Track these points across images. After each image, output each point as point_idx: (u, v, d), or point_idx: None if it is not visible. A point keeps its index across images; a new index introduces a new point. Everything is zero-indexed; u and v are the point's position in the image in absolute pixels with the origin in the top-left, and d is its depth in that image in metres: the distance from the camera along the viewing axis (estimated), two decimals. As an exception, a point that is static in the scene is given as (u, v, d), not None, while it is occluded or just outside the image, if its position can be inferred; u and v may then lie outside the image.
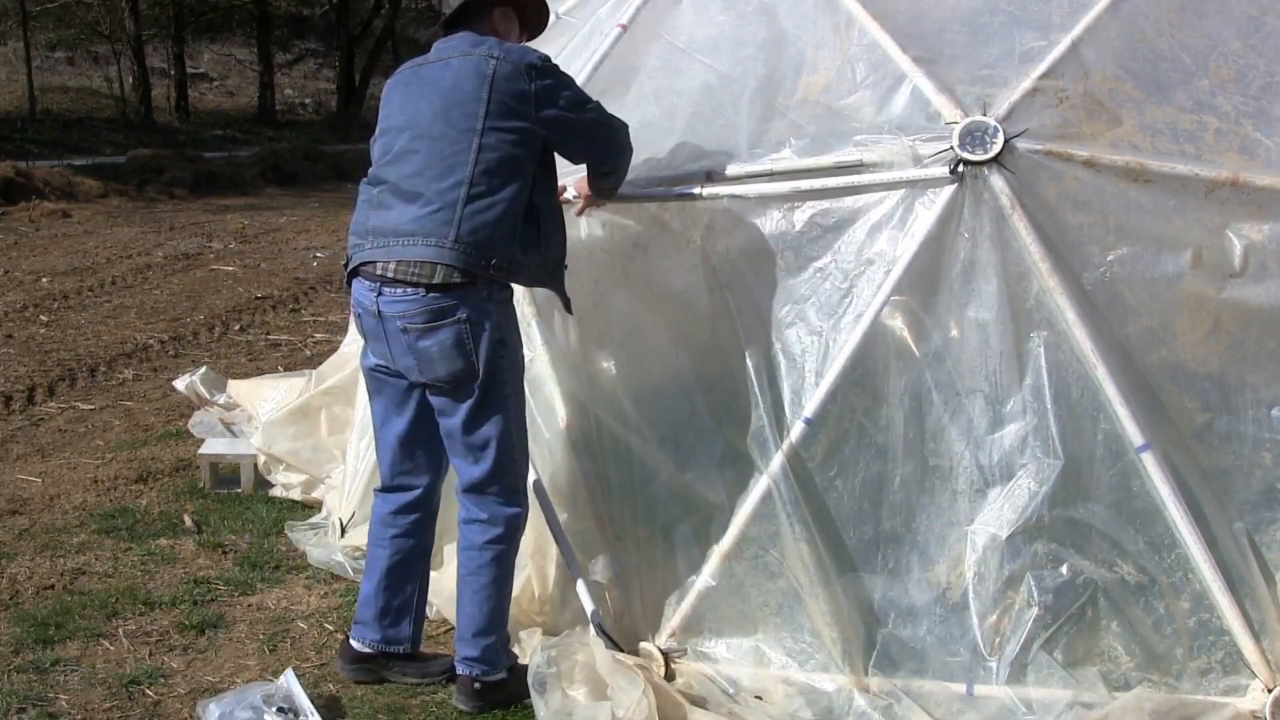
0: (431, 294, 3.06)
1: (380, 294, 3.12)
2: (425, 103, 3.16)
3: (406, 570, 3.40)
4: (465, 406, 3.16)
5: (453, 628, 3.74)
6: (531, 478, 3.58)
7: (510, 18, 3.39)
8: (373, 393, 3.38)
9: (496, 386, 3.15)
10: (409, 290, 3.07)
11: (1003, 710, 3.02)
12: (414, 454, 3.35)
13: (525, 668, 3.25)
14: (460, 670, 3.32)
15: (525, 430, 3.31)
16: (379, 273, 3.12)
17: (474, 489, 3.25)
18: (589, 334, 3.58)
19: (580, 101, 3.20)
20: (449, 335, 3.08)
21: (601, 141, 3.27)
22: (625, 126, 3.30)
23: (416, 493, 3.37)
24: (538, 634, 3.50)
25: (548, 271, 3.26)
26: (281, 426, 5.05)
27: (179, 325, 8.49)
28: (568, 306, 3.39)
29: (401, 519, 3.38)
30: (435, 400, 3.21)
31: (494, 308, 3.12)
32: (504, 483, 3.23)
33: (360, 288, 3.19)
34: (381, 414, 3.37)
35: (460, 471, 3.27)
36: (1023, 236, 3.05)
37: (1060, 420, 3.04)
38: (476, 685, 3.29)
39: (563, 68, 3.49)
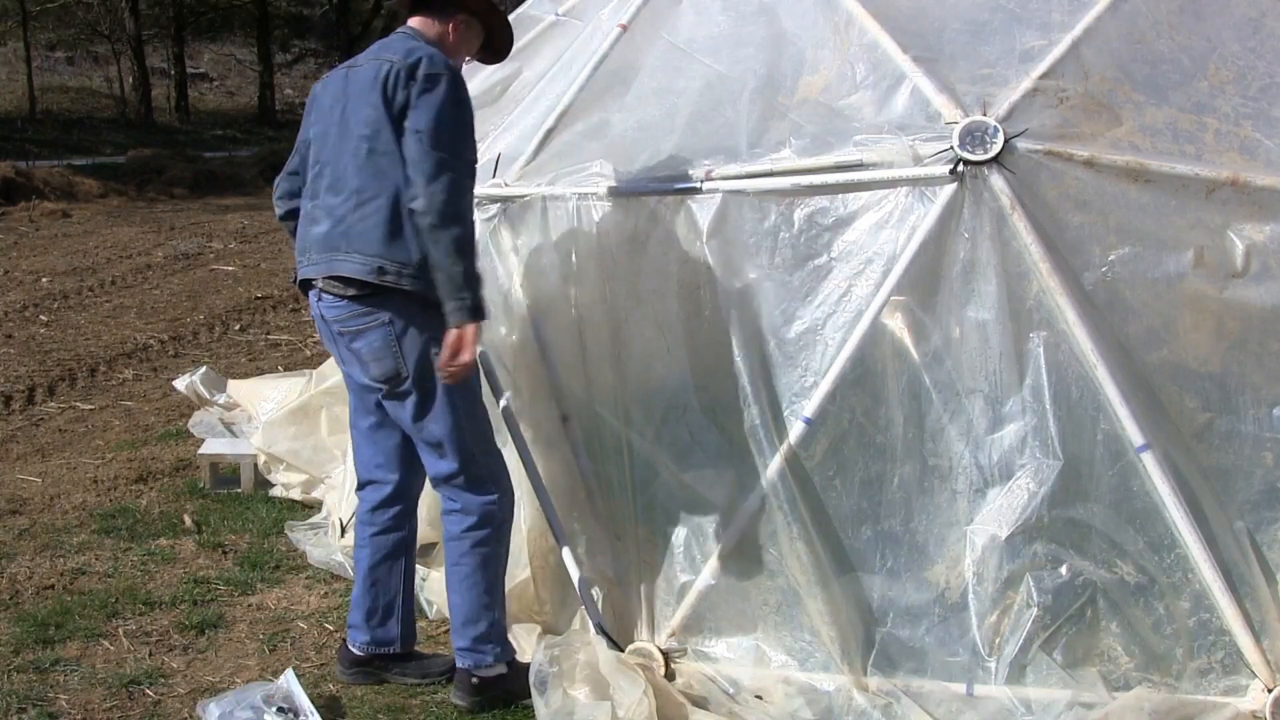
0: (355, 300, 3.14)
1: (320, 299, 3.23)
2: (335, 111, 3.21)
3: (388, 569, 3.42)
4: (408, 406, 3.21)
5: (453, 627, 3.75)
6: (531, 478, 3.59)
7: (472, 28, 3.34)
8: (349, 391, 3.45)
9: (434, 386, 3.17)
10: (338, 298, 3.17)
11: (1002, 710, 3.02)
12: (383, 449, 3.39)
13: (526, 666, 3.25)
14: (458, 663, 3.33)
15: (484, 422, 3.31)
16: (315, 284, 3.22)
17: (443, 481, 3.30)
18: (588, 332, 3.58)
19: (435, 128, 3.02)
20: (377, 337, 3.15)
21: (424, 171, 3.00)
22: (459, 189, 3.03)
23: (388, 489, 3.40)
24: (535, 632, 3.50)
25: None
26: (281, 426, 5.05)
27: (179, 325, 8.50)
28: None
29: (379, 516, 3.41)
30: (385, 402, 3.27)
31: (420, 309, 3.12)
32: (469, 474, 3.25)
33: (311, 295, 3.29)
34: (352, 411, 3.45)
35: (428, 466, 3.33)
36: (1023, 236, 3.05)
37: (1060, 420, 3.04)
38: (474, 680, 3.29)
39: (562, 68, 3.48)
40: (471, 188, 3.14)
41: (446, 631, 3.75)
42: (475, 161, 3.16)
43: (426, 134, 3.02)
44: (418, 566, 4.03)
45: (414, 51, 3.13)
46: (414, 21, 3.30)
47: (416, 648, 3.55)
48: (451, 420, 3.20)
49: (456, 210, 3.01)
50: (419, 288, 3.10)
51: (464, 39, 3.33)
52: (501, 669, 3.31)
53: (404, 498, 3.42)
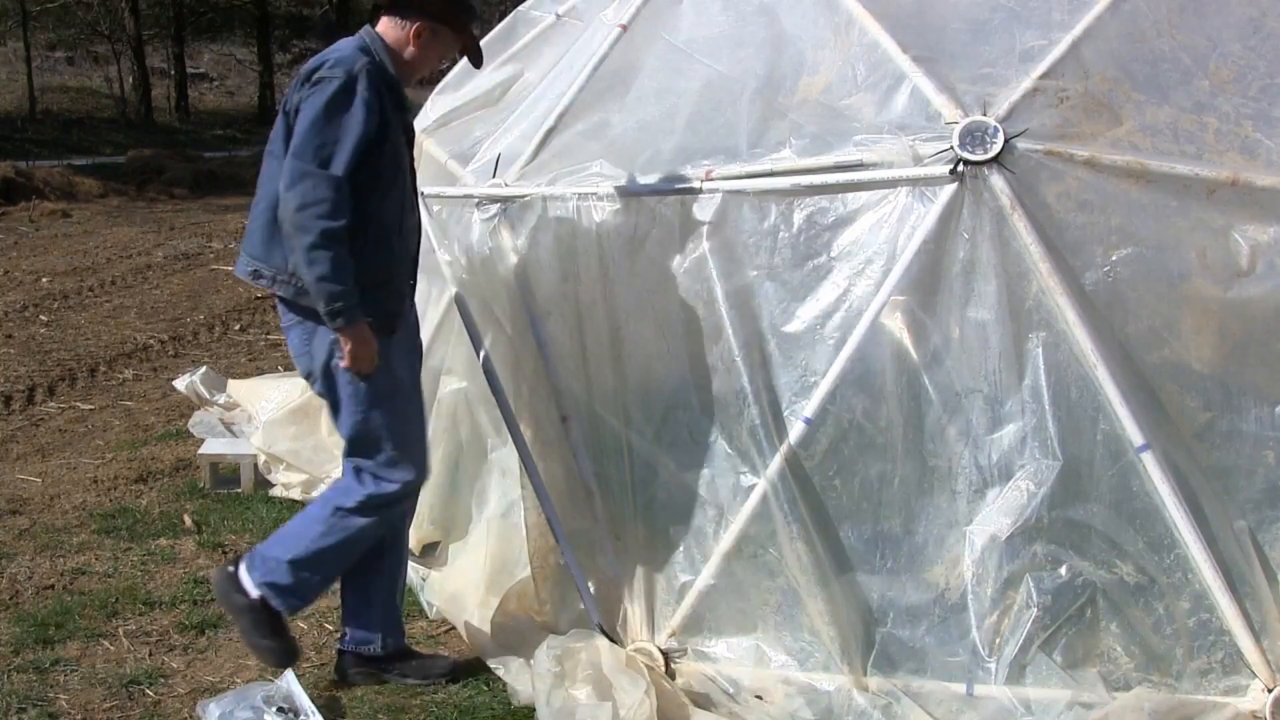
0: (282, 302, 3.22)
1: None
2: None
3: (361, 568, 3.40)
4: (326, 403, 3.29)
5: (453, 628, 3.76)
6: (532, 478, 3.59)
7: (440, 35, 3.26)
8: None
9: (339, 387, 3.20)
10: (277, 300, 3.27)
11: (1002, 710, 3.02)
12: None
13: (271, 629, 3.24)
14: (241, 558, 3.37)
15: (387, 427, 3.23)
16: None
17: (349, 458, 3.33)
18: (589, 332, 3.58)
19: (303, 132, 3.00)
20: (295, 337, 3.24)
21: (284, 178, 3.00)
22: (313, 198, 2.96)
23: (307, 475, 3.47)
24: (535, 631, 3.49)
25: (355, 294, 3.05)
26: (281, 426, 5.05)
27: (179, 325, 8.50)
28: (386, 328, 3.20)
29: None
30: None
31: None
32: (360, 470, 3.26)
33: None
34: None
35: None
36: (1023, 236, 3.04)
37: (1059, 421, 3.04)
38: (231, 570, 3.31)
39: (562, 69, 3.44)
40: (336, 199, 2.97)
41: (447, 631, 3.76)
42: (340, 171, 2.99)
43: (295, 138, 3.03)
44: (418, 566, 4.04)
45: (328, 53, 3.14)
46: (380, 24, 3.27)
47: (417, 648, 3.55)
48: (348, 424, 3.24)
49: (306, 220, 2.96)
50: (290, 294, 3.14)
51: (429, 45, 3.26)
52: (253, 594, 3.25)
53: None
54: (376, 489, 3.24)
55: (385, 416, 3.22)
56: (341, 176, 2.99)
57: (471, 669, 3.48)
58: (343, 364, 3.10)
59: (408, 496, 3.35)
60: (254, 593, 3.25)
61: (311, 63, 3.14)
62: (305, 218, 2.96)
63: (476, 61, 3.46)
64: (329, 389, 3.22)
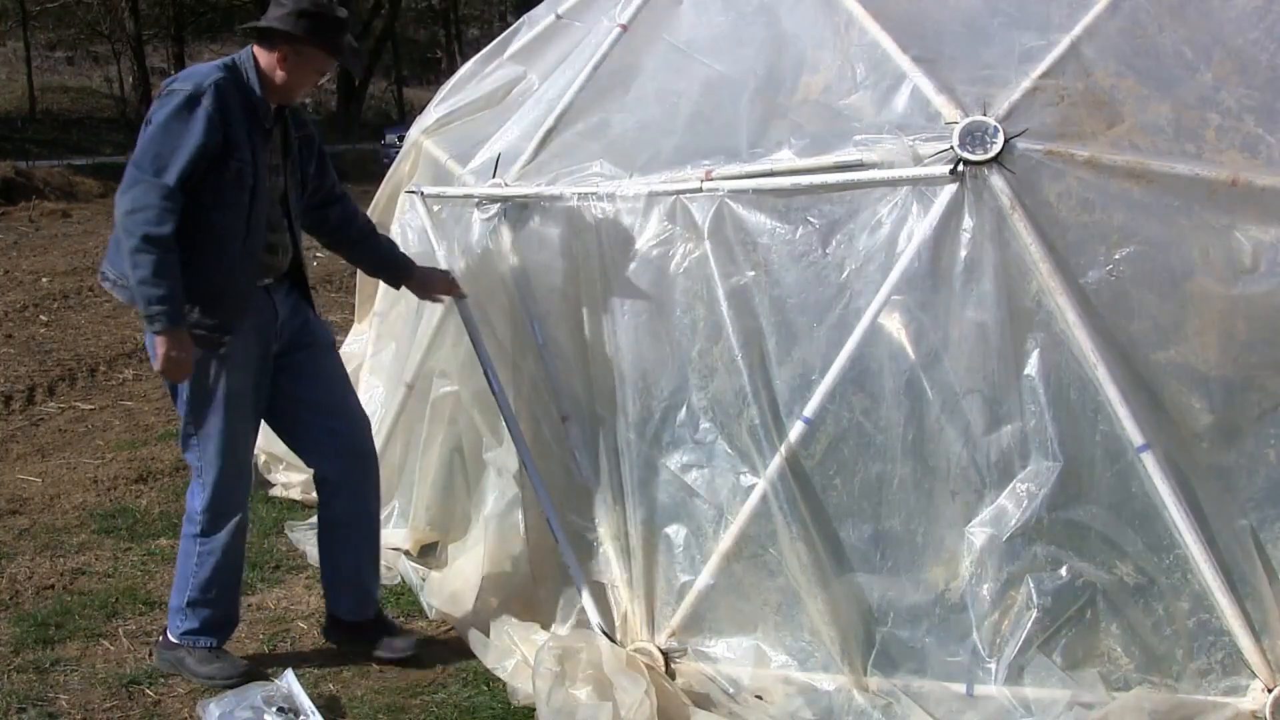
0: None
1: None
2: None
3: (322, 548, 3.60)
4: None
5: (452, 628, 3.76)
6: (532, 478, 3.59)
7: (305, 56, 3.27)
8: None
9: (177, 391, 3.30)
10: None
11: (1002, 711, 3.02)
12: (292, 440, 3.57)
13: (201, 655, 3.38)
14: None
15: (217, 440, 3.30)
16: None
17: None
18: (589, 332, 3.58)
19: (142, 141, 3.11)
20: (148, 337, 3.25)
21: (124, 184, 3.10)
22: (142, 204, 3.03)
23: (311, 471, 3.57)
24: (535, 631, 3.50)
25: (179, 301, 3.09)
26: (281, 426, 5.04)
27: (179, 325, 8.49)
28: (215, 341, 3.21)
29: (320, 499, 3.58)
30: None
31: None
32: (194, 469, 3.37)
33: None
34: None
35: None
36: (1022, 236, 3.04)
37: (1058, 421, 3.03)
38: (160, 638, 3.52)
39: (560, 70, 3.43)
40: (164, 206, 3.03)
41: (447, 631, 3.76)
42: (172, 180, 3.04)
43: (138, 147, 3.13)
44: (417, 567, 4.05)
45: (187, 70, 3.25)
46: (255, 48, 3.30)
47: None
48: (181, 421, 3.35)
49: (133, 224, 3.03)
50: (127, 298, 3.22)
51: (297, 67, 3.27)
52: (175, 642, 3.44)
53: (324, 480, 3.52)
54: (201, 501, 3.36)
55: (209, 426, 3.29)
56: (173, 185, 3.05)
57: (471, 669, 3.48)
58: (156, 367, 3.16)
59: (228, 510, 3.38)
60: (176, 642, 3.44)
61: (170, 78, 3.24)
62: (132, 222, 3.04)
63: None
64: (171, 386, 3.33)
